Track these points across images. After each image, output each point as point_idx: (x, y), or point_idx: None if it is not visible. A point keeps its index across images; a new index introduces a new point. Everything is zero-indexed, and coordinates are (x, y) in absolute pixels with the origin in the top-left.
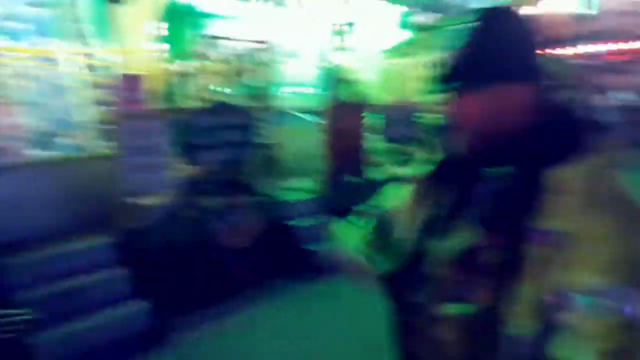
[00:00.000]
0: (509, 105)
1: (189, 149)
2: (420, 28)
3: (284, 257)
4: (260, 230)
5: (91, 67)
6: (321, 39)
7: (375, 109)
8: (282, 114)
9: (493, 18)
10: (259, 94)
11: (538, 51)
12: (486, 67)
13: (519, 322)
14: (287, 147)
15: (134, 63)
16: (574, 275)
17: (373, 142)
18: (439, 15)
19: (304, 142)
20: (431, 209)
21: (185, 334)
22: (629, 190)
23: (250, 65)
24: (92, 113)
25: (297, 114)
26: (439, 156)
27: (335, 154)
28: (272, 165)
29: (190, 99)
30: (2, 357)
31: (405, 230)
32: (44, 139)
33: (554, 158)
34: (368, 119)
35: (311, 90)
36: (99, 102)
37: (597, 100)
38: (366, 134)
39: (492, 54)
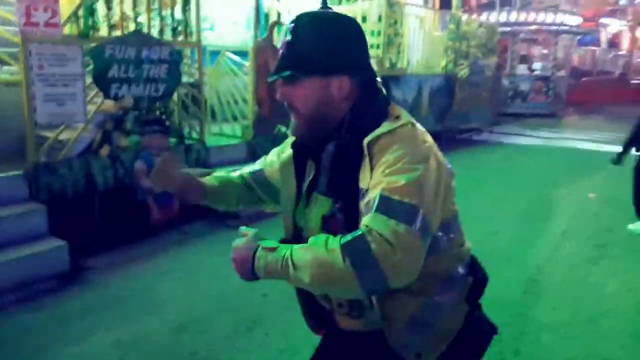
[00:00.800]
0: (328, 94)
1: (106, 81)
2: None
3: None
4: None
5: None
6: None
7: None
8: (210, 53)
9: (306, 19)
10: (185, 28)
11: (354, 46)
12: (302, 61)
13: None
14: (213, 88)
15: None
16: None
17: None
18: None
19: (231, 85)
20: (293, 184)
21: (100, 273)
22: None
23: None
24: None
25: (225, 54)
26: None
27: (264, 99)
28: (197, 106)
29: (108, 26)
30: None
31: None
32: None
33: (363, 131)
34: None
35: (241, 31)
36: (8, 23)
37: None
38: None
39: (305, 50)
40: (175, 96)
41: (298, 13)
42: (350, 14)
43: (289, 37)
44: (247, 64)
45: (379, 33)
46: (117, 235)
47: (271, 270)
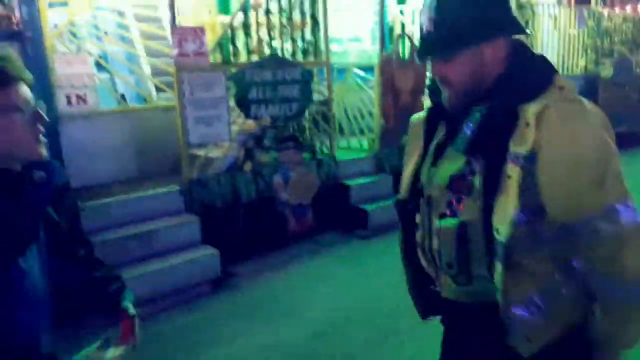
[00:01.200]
0: (482, 62)
1: (246, 103)
2: None
3: (337, 213)
4: (315, 186)
5: (155, 20)
6: None
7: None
8: (337, 70)
9: None
10: (314, 49)
11: (498, 4)
12: (451, 35)
13: (500, 230)
14: (342, 103)
15: (196, 16)
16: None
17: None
18: None
19: (358, 100)
20: (424, 146)
21: (246, 280)
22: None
23: (305, 19)
24: (156, 65)
25: (352, 70)
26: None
27: (390, 112)
28: (326, 122)
29: (247, 52)
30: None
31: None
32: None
33: (521, 96)
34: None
35: (367, 46)
36: (163, 54)
37: None
38: (423, 92)
39: (452, 23)
40: (307, 114)
41: None
42: None
43: (432, 14)
44: (373, 78)
45: None
46: (259, 244)
47: None
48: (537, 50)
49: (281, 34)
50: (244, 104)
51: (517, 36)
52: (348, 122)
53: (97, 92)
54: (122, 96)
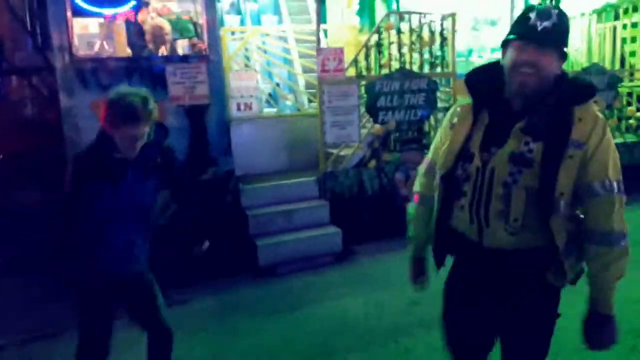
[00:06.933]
0: (555, 65)
1: (375, 110)
2: None
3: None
4: None
5: (304, 42)
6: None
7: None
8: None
9: (561, 11)
10: (442, 62)
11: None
12: (556, 39)
13: (564, 193)
14: None
15: (336, 37)
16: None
17: None
18: None
19: None
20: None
21: (362, 256)
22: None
23: (434, 36)
24: (304, 79)
25: None
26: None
27: None
28: None
29: (379, 66)
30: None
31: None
32: (272, 99)
33: (574, 100)
34: None
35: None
36: (310, 70)
37: None
38: None
39: (560, 32)
40: (431, 119)
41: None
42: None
43: (555, 19)
44: None
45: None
46: (378, 229)
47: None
48: None
49: (411, 50)
50: (373, 111)
51: None
52: None
53: (260, 101)
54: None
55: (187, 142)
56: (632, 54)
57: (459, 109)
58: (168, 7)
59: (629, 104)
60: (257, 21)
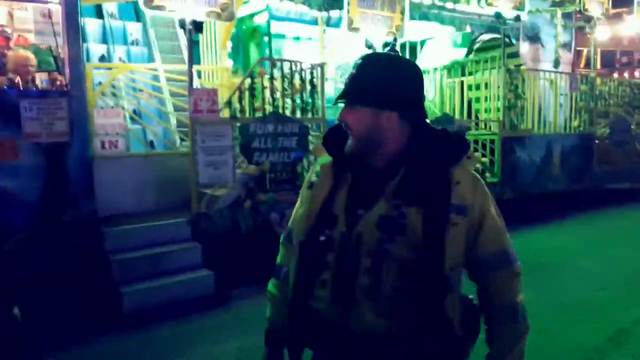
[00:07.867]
0: (378, 124)
1: (249, 151)
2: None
3: None
4: None
5: (178, 81)
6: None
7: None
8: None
9: (373, 59)
10: (312, 108)
11: (407, 88)
12: (359, 93)
13: (453, 267)
14: None
15: (210, 78)
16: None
17: None
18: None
19: None
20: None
21: (237, 300)
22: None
23: (304, 83)
24: (180, 119)
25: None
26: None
27: None
28: None
29: (252, 109)
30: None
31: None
32: (141, 137)
33: (449, 160)
34: None
35: None
36: (181, 109)
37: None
38: None
39: (363, 84)
40: (304, 161)
41: (367, 54)
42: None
43: (354, 71)
44: None
45: (498, 97)
46: (255, 272)
47: None
48: (536, 109)
49: (283, 95)
50: (247, 152)
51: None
52: None
53: (127, 139)
54: (151, 143)
55: (43, 181)
56: (478, 99)
57: (318, 167)
58: (24, 37)
59: (475, 150)
60: (127, 54)
